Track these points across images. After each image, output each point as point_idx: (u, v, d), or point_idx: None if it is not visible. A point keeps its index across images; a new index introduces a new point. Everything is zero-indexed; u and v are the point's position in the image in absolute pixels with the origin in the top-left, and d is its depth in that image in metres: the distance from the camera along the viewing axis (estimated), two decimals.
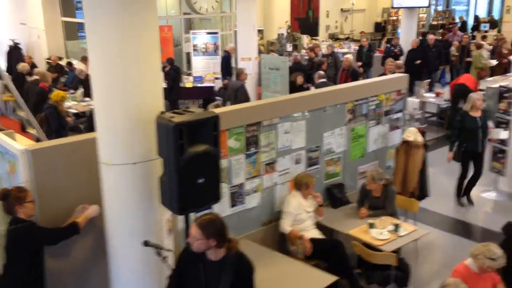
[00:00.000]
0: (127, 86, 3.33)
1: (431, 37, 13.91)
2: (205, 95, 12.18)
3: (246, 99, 9.50)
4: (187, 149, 3.22)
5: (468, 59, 13.19)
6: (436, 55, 13.53)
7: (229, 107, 5.20)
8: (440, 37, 16.17)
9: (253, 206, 5.13)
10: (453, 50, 14.60)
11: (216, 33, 13.64)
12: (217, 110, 4.48)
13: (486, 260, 3.66)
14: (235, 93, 9.50)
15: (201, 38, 13.48)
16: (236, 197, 4.96)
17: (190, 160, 3.23)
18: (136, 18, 3.26)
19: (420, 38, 15.21)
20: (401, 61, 11.64)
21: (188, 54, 14.40)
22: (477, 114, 6.87)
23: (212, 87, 12.36)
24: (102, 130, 3.47)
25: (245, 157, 4.94)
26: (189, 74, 13.22)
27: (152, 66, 3.44)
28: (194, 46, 13.43)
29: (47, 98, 7.92)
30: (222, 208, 4.70)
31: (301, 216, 5.16)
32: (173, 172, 3.22)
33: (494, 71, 13.23)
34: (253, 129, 4.94)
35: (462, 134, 6.95)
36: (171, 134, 3.16)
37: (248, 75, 10.71)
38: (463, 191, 7.28)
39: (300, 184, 5.18)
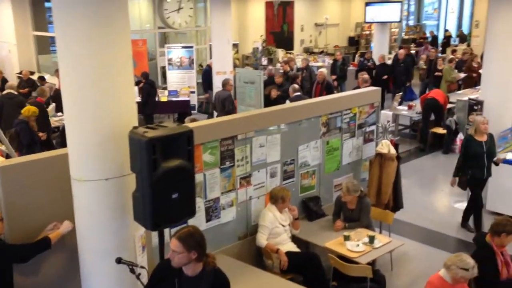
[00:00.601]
0: (99, 101, 3.29)
1: (401, 52, 13.90)
2: (181, 109, 12.14)
3: (234, 108, 9.53)
4: (161, 164, 3.18)
5: (437, 73, 13.41)
6: (403, 71, 13.48)
7: (203, 121, 5.19)
8: (414, 52, 16.41)
9: (228, 220, 5.11)
10: (421, 63, 14.81)
11: (191, 47, 13.65)
12: (192, 125, 4.47)
13: (459, 270, 3.71)
14: (222, 103, 9.50)
15: (176, 52, 13.46)
16: (212, 211, 4.93)
17: (163, 175, 3.20)
18: (107, 32, 3.24)
19: (394, 51, 15.52)
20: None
21: (163, 68, 14.36)
22: (482, 138, 6.44)
23: (187, 101, 12.34)
24: (73, 145, 3.42)
25: (220, 171, 4.92)
26: (164, 88, 13.17)
27: (124, 80, 3.41)
28: (169, 60, 13.41)
29: (45, 112, 8.05)
30: (197, 223, 4.65)
31: (277, 230, 5.16)
32: (146, 188, 3.18)
33: (464, 85, 13.57)
34: (228, 143, 4.94)
35: (467, 160, 6.49)
36: (144, 149, 3.12)
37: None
38: (463, 216, 6.92)
39: (275, 198, 5.18)
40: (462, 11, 25.55)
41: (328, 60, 16.14)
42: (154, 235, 3.94)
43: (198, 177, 4.68)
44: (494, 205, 7.14)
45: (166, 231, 4.09)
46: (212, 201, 4.92)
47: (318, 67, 13.82)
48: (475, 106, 7.56)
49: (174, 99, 12.32)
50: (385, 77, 13.12)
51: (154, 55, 15.16)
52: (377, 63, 13.78)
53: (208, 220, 4.91)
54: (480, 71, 12.93)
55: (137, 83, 11.10)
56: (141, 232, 3.62)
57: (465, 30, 23.83)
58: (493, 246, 4.21)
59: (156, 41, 15.05)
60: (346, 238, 5.13)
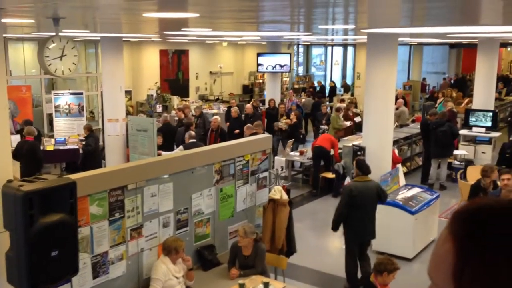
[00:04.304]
0: None
1: (248, 106, 13.25)
2: (69, 158, 11.51)
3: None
4: (38, 219, 2.95)
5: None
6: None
7: (91, 172, 4.94)
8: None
9: (118, 275, 4.83)
10: (281, 123, 13.42)
11: (81, 93, 13.16)
12: (77, 176, 4.23)
13: None
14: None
15: (64, 98, 12.89)
16: (99, 267, 4.63)
17: (41, 232, 2.97)
18: None
19: (285, 99, 16.16)
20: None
21: (49, 115, 13.64)
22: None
23: (76, 150, 11.74)
24: None
25: (108, 224, 4.67)
26: (51, 136, 12.46)
27: None
28: (57, 107, 12.78)
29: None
30: (83, 281, 4.36)
31: (171, 282, 4.97)
32: (22, 246, 2.92)
33: (344, 132, 14.41)
34: (117, 194, 4.73)
35: None
36: (19, 204, 2.89)
37: (115, 136, 10.43)
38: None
39: (168, 249, 5.01)
40: (346, 63, 27.67)
41: (223, 108, 16.44)
42: None
43: (84, 231, 4.40)
44: (379, 245, 7.54)
45: None
46: (100, 255, 4.63)
47: (213, 114, 14.00)
48: (358, 152, 8.07)
49: (61, 147, 11.67)
50: (237, 131, 11.72)
51: (40, 101, 14.39)
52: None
53: (95, 277, 4.60)
54: (355, 119, 13.93)
55: (19, 131, 10.39)
56: None
57: (349, 80, 25.73)
58: (377, 285, 4.41)
59: (42, 87, 14.34)
60: (241, 286, 5.07)
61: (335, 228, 6.52)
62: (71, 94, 13.07)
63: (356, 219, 6.39)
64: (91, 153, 10.56)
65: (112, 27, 8.26)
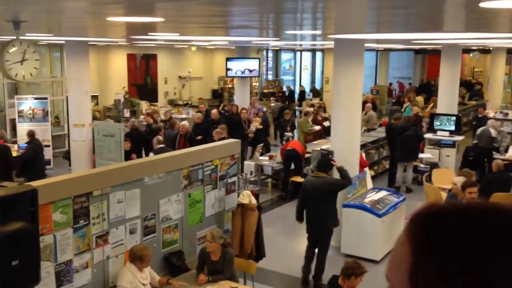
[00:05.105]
0: None
1: (213, 112, 13.22)
2: None
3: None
4: None
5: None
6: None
7: (54, 178, 4.82)
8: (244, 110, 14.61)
9: (83, 283, 4.72)
10: (252, 127, 12.96)
11: (45, 98, 12.87)
12: (39, 182, 4.12)
13: None
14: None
15: (28, 103, 12.57)
16: (63, 275, 4.51)
17: (1, 241, 2.87)
18: None
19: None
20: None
21: (12, 120, 13.28)
22: None
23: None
24: None
25: (73, 231, 4.56)
26: (14, 142, 12.12)
27: None
28: (20, 112, 12.45)
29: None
30: None
31: None
32: None
33: (313, 136, 14.51)
34: (82, 201, 4.63)
35: None
36: None
37: (81, 142, 10.23)
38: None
39: (134, 257, 4.93)
40: (315, 68, 27.95)
41: (192, 112, 16.34)
42: None
43: (48, 239, 4.29)
44: (347, 248, 7.61)
45: None
46: (64, 264, 4.51)
47: (182, 119, 13.90)
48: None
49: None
50: (199, 137, 11.42)
51: (2, 106, 14.00)
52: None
53: (59, 286, 4.48)
54: (324, 123, 14.06)
55: None
56: None
57: (318, 85, 26.00)
58: None
59: (5, 91, 13.96)
60: None
61: (297, 219, 6.98)
62: (35, 98, 12.77)
63: (309, 214, 6.74)
64: (30, 160, 9.87)
65: (77, 31, 8.12)
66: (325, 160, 6.94)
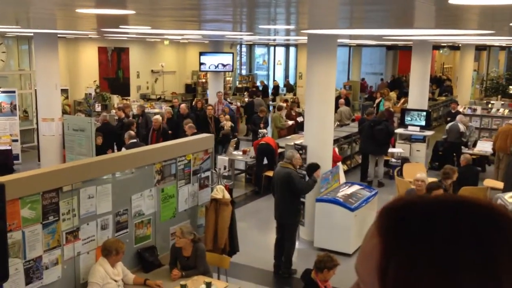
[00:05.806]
0: None
1: (182, 106, 13.13)
2: (0, 159, 10.94)
3: None
4: None
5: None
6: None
7: (22, 173, 4.71)
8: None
9: (53, 280, 4.63)
10: (223, 123, 12.86)
11: (13, 91, 12.54)
12: (7, 178, 4.02)
13: None
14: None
15: None
16: (32, 272, 4.42)
17: None
18: None
19: (229, 99, 16.04)
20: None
21: None
22: None
23: (9, 150, 11.20)
24: None
25: (42, 227, 4.47)
26: None
27: None
28: None
29: None
30: (15, 287, 4.14)
31: (109, 286, 4.83)
32: None
33: (287, 131, 14.53)
34: (51, 196, 4.53)
35: None
36: None
37: (51, 136, 10.03)
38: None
39: (109, 250, 4.87)
40: (288, 63, 28.03)
41: (165, 107, 16.15)
42: None
43: (16, 235, 4.19)
44: (320, 242, 7.69)
45: None
46: (33, 261, 4.42)
47: (155, 114, 13.74)
48: (300, 151, 8.17)
49: None
50: (170, 132, 11.25)
51: None
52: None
53: (28, 283, 4.39)
54: (298, 119, 14.12)
55: None
56: None
57: (292, 80, 26.08)
58: (318, 281, 4.49)
59: None
60: (183, 287, 5.01)
61: None
62: (2, 92, 12.44)
63: (275, 201, 7.06)
64: None
65: (45, 23, 7.92)
66: (314, 166, 7.04)
